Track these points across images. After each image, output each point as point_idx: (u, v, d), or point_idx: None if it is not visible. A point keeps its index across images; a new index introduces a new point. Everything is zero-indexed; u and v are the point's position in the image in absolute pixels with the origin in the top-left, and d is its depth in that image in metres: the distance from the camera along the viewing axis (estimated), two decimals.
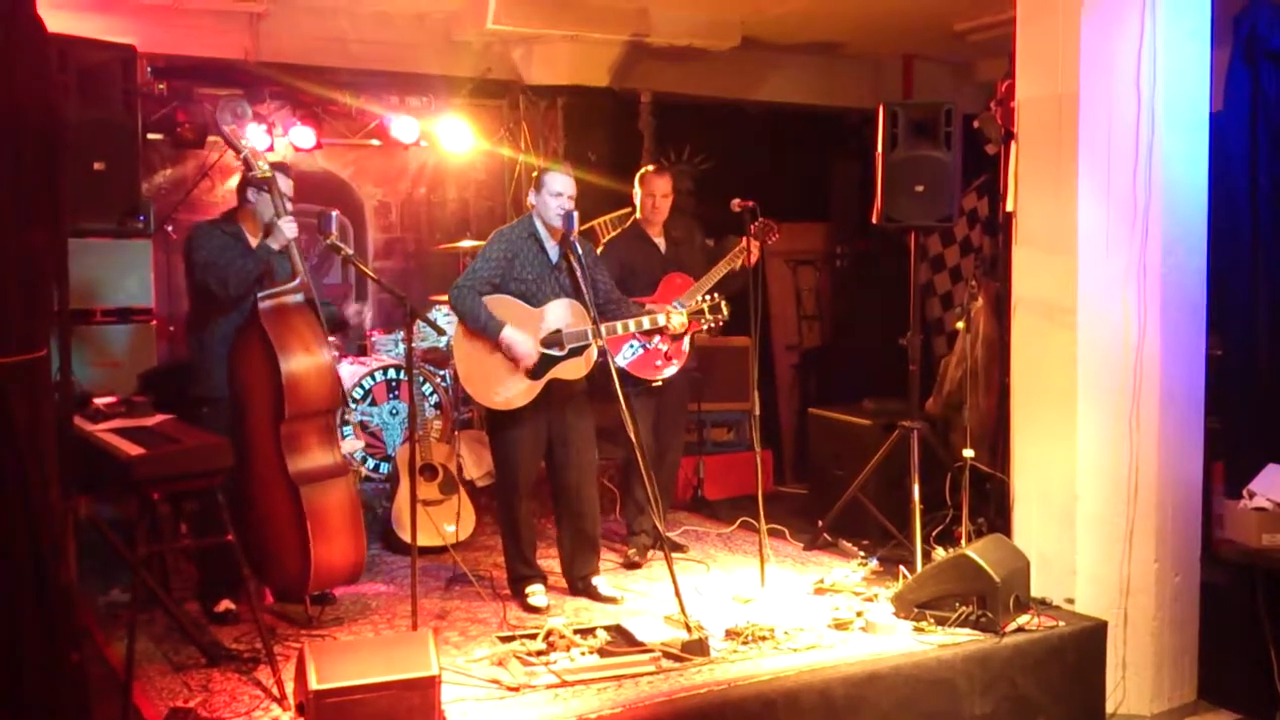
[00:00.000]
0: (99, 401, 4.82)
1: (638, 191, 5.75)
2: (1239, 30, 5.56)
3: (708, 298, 5.12)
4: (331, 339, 4.88)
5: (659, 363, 5.60)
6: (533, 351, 4.87)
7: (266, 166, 4.74)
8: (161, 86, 6.89)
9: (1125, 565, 4.86)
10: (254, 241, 4.81)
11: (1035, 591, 4.88)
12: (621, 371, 5.47)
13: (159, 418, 4.61)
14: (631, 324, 5.00)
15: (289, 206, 4.78)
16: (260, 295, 4.63)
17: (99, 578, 5.06)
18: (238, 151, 4.76)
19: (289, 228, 4.70)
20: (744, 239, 5.42)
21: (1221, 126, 5.42)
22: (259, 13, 6.89)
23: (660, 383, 5.63)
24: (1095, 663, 4.76)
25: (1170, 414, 4.90)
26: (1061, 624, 4.72)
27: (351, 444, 4.88)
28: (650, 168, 5.88)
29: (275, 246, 4.71)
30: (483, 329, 4.88)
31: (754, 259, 5.49)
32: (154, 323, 6.66)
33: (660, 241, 5.78)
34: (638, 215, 5.80)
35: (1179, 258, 4.91)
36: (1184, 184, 4.91)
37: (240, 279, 4.69)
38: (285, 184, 4.86)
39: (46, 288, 3.07)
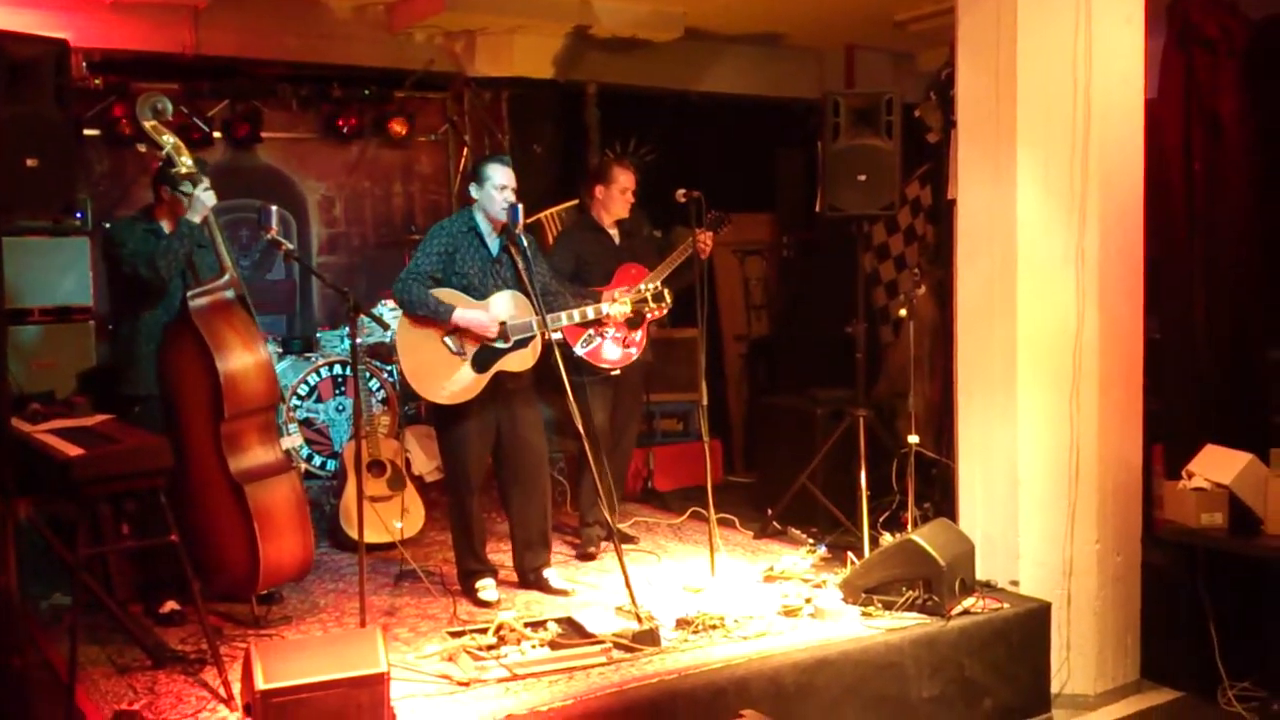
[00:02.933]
0: (36, 403, 4.74)
1: (603, 183, 5.71)
2: (1172, 18, 5.65)
3: (650, 286, 5.12)
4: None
5: (618, 351, 5.60)
6: (492, 321, 4.85)
7: (190, 163, 4.68)
8: (98, 81, 6.78)
9: (1068, 547, 4.93)
10: None
11: (980, 574, 4.94)
12: (579, 360, 5.48)
13: (99, 418, 4.55)
14: (576, 314, 5.00)
15: (208, 184, 4.72)
16: (190, 294, 4.57)
17: (41, 581, 4.98)
18: (160, 148, 4.70)
19: (208, 196, 4.65)
20: (696, 230, 5.43)
21: (1156, 114, 5.50)
22: (198, 6, 6.80)
23: (618, 371, 5.64)
24: (1040, 644, 4.83)
25: (1110, 397, 4.98)
26: (1006, 606, 4.78)
27: (291, 440, 4.83)
28: (614, 160, 5.86)
29: (196, 219, 4.65)
30: (433, 314, 4.85)
31: (708, 250, 5.51)
32: (92, 321, 6.56)
33: (614, 233, 5.78)
34: (590, 207, 5.79)
35: (1116, 243, 4.98)
36: (1120, 170, 4.99)
37: (169, 260, 4.63)
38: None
39: None
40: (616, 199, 5.70)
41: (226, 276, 4.65)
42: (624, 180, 5.70)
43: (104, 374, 5.76)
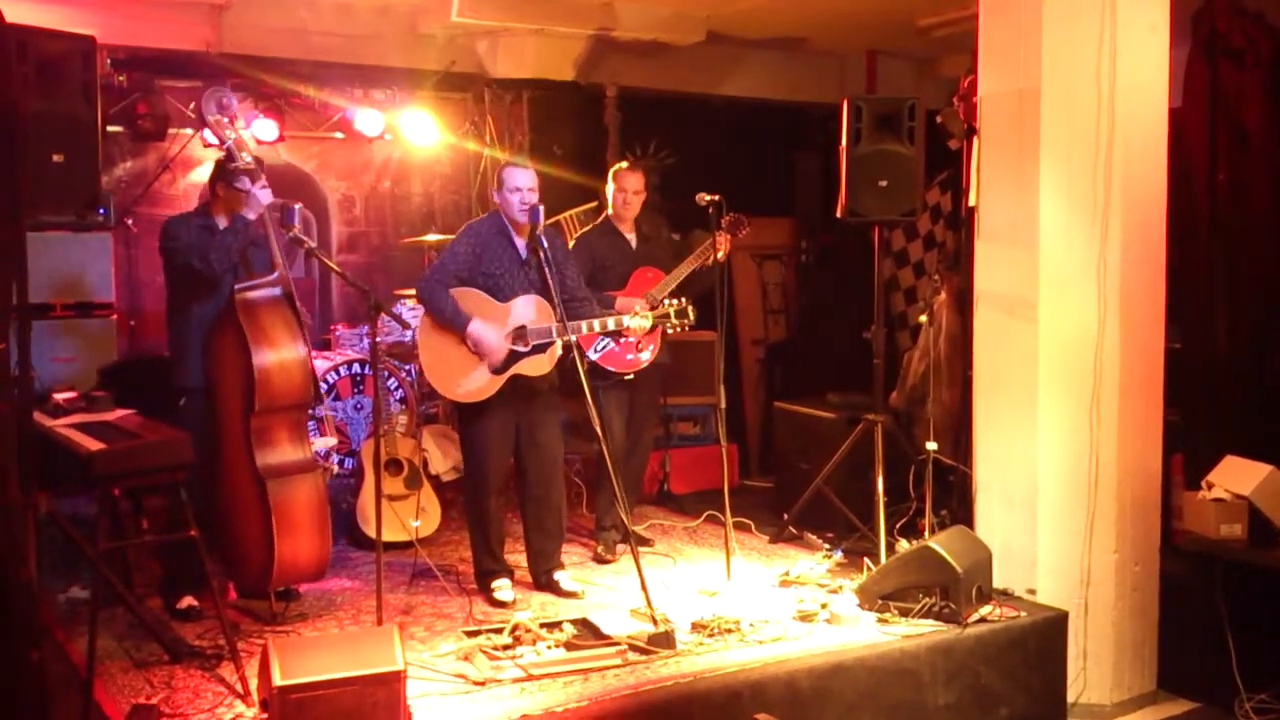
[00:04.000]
0: (59, 397, 4.77)
1: (610, 187, 5.75)
2: (1198, 27, 5.62)
3: (673, 301, 5.11)
4: None
5: (630, 356, 5.61)
6: (500, 347, 4.87)
7: (250, 157, 4.70)
8: (122, 78, 6.82)
9: (1085, 556, 4.91)
10: None
11: (997, 582, 4.92)
12: (594, 364, 5.48)
13: (120, 413, 4.57)
14: (596, 324, 5.00)
15: (265, 181, 4.74)
16: (238, 287, 4.60)
17: (60, 575, 5.01)
18: (223, 142, 4.71)
19: (264, 194, 4.66)
20: (714, 234, 5.44)
21: (1180, 122, 5.48)
22: (221, 4, 6.83)
23: (632, 376, 5.65)
24: (1056, 653, 4.81)
25: (1130, 407, 4.96)
26: (1023, 614, 4.77)
27: (324, 442, 4.86)
28: (623, 164, 5.88)
29: (251, 216, 4.66)
30: (450, 321, 4.87)
31: (725, 254, 5.51)
32: (114, 317, 6.60)
33: (631, 237, 5.80)
34: (609, 211, 5.81)
35: (1138, 252, 4.96)
36: (1143, 179, 4.97)
37: (222, 254, 4.64)
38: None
39: (5, 281, 3.04)
40: (616, 199, 5.72)
41: (276, 274, 4.67)
42: (628, 182, 5.70)
43: (133, 367, 5.79)
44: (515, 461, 5.14)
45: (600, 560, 5.70)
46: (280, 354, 4.57)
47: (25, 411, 3.72)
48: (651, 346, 5.67)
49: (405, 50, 7.56)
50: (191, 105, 6.88)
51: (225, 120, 4.71)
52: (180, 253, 4.68)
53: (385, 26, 7.44)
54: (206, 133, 6.99)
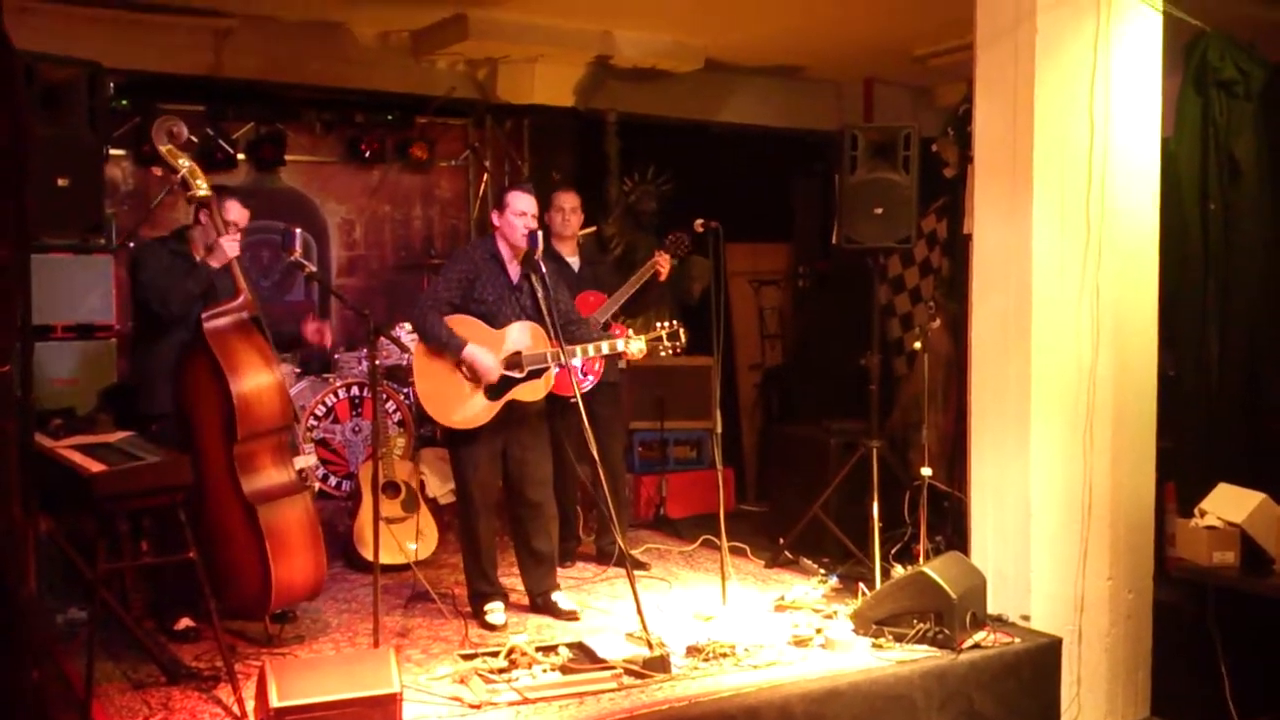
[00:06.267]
0: (58, 419, 4.79)
1: (545, 213, 5.75)
2: (1189, 59, 5.69)
3: (666, 324, 5.15)
4: (285, 355, 4.82)
5: (572, 381, 5.65)
6: (496, 367, 4.90)
7: (205, 186, 4.71)
8: (124, 102, 6.87)
9: (1079, 582, 4.93)
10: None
11: (992, 608, 4.94)
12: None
13: (120, 434, 4.59)
14: (591, 348, 5.04)
15: (227, 227, 4.74)
16: (204, 315, 4.58)
17: (56, 596, 5.02)
18: (175, 171, 4.73)
19: (230, 246, 4.68)
20: (656, 252, 5.60)
21: (1172, 152, 5.54)
22: (225, 29, 6.89)
23: (574, 399, 5.66)
24: (1050, 679, 4.82)
25: (1123, 433, 5.00)
26: (1017, 640, 4.78)
27: (305, 459, 4.87)
28: (556, 186, 5.95)
29: (215, 265, 4.69)
30: (444, 347, 4.89)
31: (665, 274, 5.60)
32: (115, 339, 6.62)
33: (574, 260, 5.85)
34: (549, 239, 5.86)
35: (1131, 280, 5.02)
36: (1136, 208, 5.02)
37: (182, 298, 4.66)
38: (239, 213, 4.84)
39: (10, 303, 3.07)
40: (554, 219, 5.77)
41: (241, 299, 4.67)
42: (564, 200, 5.79)
43: (125, 391, 5.82)
44: (505, 485, 5.15)
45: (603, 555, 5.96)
46: (257, 380, 4.55)
47: (27, 433, 3.75)
48: (593, 376, 5.72)
49: (406, 75, 7.61)
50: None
51: (176, 149, 4.72)
52: (142, 287, 4.72)
53: (386, 52, 7.50)
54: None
